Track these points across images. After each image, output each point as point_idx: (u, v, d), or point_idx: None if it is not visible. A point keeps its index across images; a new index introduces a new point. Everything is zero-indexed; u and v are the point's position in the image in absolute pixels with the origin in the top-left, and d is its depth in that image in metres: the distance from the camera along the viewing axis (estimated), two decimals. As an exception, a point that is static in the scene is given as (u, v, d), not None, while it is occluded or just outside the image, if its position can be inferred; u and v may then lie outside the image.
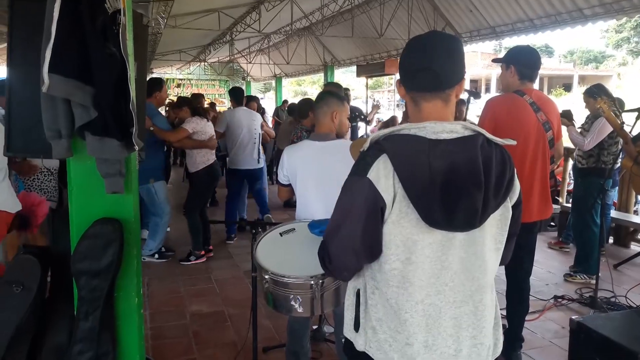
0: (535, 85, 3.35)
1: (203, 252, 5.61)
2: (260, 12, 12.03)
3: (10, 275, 2.19)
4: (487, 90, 33.46)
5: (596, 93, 4.94)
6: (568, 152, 6.40)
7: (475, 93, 3.75)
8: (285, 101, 14.88)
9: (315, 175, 2.73)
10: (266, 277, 2.11)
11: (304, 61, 17.11)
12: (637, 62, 40.39)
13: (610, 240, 6.31)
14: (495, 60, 3.43)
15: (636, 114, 4.28)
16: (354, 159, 2.33)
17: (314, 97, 4.72)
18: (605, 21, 7.62)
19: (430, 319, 1.37)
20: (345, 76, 33.80)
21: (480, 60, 34.46)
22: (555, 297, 4.47)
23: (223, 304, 4.39)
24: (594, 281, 4.49)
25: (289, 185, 2.88)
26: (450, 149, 1.30)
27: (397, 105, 21.31)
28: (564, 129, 4.12)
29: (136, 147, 1.99)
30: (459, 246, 1.36)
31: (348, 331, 1.51)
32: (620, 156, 4.78)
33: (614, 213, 6.02)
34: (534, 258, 3.47)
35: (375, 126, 10.80)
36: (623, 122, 4.49)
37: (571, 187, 6.93)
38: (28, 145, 2.22)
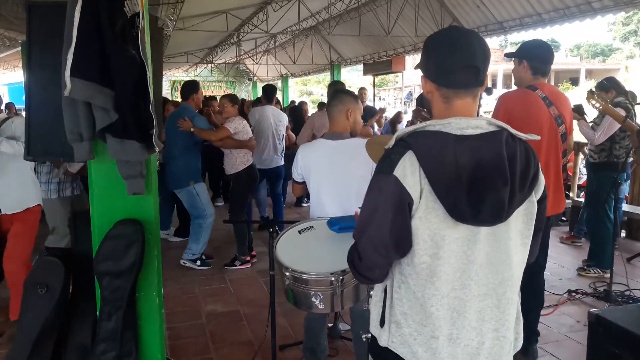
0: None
1: (248, 258, 5.43)
2: (268, 13, 12.07)
3: (34, 277, 2.23)
4: (494, 86, 33.27)
5: (606, 87, 4.93)
6: (578, 146, 6.38)
7: (487, 89, 3.75)
8: (293, 102, 14.86)
9: (329, 174, 2.74)
10: (287, 274, 2.12)
11: (311, 60, 17.15)
12: (645, 54, 40.11)
13: (623, 234, 6.28)
14: (507, 55, 3.43)
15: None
16: (370, 156, 2.36)
17: (319, 97, 4.74)
18: (615, 14, 7.59)
19: (455, 312, 1.39)
20: (351, 75, 33.77)
21: (487, 56, 34.19)
22: (569, 292, 4.45)
23: (238, 304, 4.40)
24: (607, 275, 4.48)
25: (303, 182, 2.89)
26: (476, 145, 1.32)
27: (404, 103, 21.29)
28: (575, 123, 4.11)
29: (156, 149, 2.02)
30: (485, 241, 1.37)
31: (374, 327, 1.52)
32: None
33: (626, 207, 5.98)
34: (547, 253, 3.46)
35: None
36: (635, 115, 4.47)
37: (582, 181, 6.91)
38: (47, 149, 2.26)
